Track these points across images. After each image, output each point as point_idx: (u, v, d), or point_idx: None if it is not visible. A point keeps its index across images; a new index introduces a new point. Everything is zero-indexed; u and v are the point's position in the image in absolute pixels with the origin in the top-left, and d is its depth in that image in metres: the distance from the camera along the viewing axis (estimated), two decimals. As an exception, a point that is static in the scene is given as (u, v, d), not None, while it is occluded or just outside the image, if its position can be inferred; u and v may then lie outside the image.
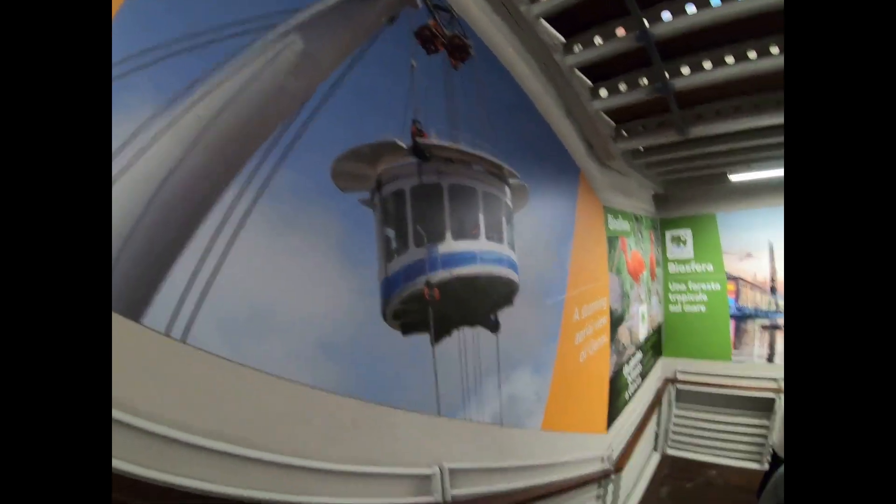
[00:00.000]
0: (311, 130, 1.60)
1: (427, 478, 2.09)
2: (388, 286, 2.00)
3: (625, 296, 4.81)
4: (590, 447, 3.87)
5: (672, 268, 6.80)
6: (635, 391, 5.23)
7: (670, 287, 6.79)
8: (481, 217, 2.45)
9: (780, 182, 5.59)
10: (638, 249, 5.43)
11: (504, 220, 2.64)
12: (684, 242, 6.74)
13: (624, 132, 3.98)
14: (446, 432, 2.26)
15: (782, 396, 5.72)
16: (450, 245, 2.25)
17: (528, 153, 3.00)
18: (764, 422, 5.98)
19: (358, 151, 1.90)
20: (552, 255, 3.26)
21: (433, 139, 2.14)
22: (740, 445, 6.00)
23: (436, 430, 2.20)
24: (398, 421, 1.99)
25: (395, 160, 2.07)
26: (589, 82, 3.23)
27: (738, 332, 6.47)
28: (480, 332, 2.45)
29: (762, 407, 6.02)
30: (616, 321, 4.51)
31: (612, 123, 3.87)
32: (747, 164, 5.10)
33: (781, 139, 3.65)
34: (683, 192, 6.54)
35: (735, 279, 6.49)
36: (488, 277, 2.49)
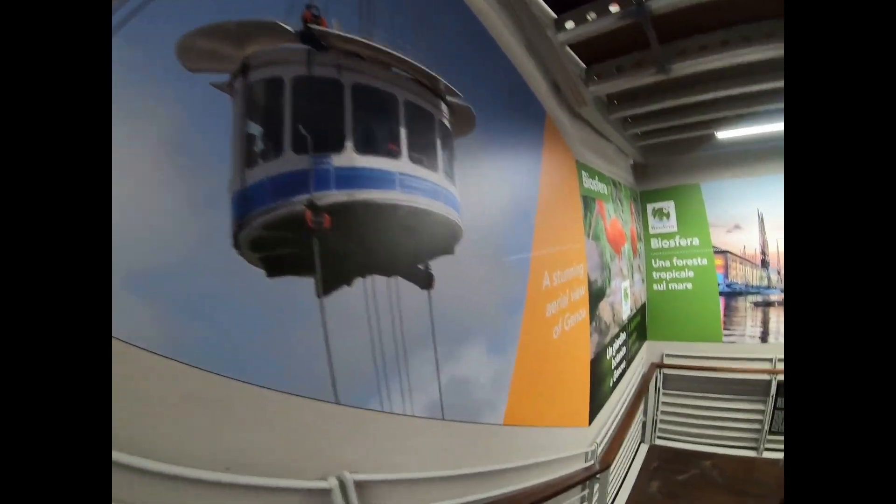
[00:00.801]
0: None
1: (322, 493, 1.41)
2: (245, 202, 1.30)
3: (605, 267, 4.14)
4: (570, 444, 3.19)
5: (655, 243, 6.18)
6: (620, 377, 4.58)
7: (653, 264, 6.17)
8: (403, 132, 1.74)
9: (769, 148, 5.23)
10: (618, 218, 4.77)
11: (439, 142, 1.93)
12: (667, 215, 6.14)
13: (595, 76, 3.38)
14: (350, 429, 1.55)
15: (778, 378, 5.31)
16: (351, 158, 1.55)
17: (477, 81, 2.32)
18: (759, 406, 5.47)
19: (221, 28, 1.28)
20: (511, 202, 2.55)
21: (335, 29, 1.53)
22: (735, 432, 5.49)
23: (333, 424, 1.49)
24: (270, 407, 1.28)
25: (274, 44, 1.42)
26: (553, 13, 2.65)
27: (729, 311, 5.88)
28: (403, 287, 1.74)
29: (757, 390, 5.50)
30: (596, 294, 3.84)
31: (583, 64, 3.32)
32: (736, 119, 4.48)
33: (773, 84, 3.41)
34: (665, 161, 5.97)
35: (723, 253, 5.90)
36: (413, 211, 1.78)
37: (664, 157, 5.88)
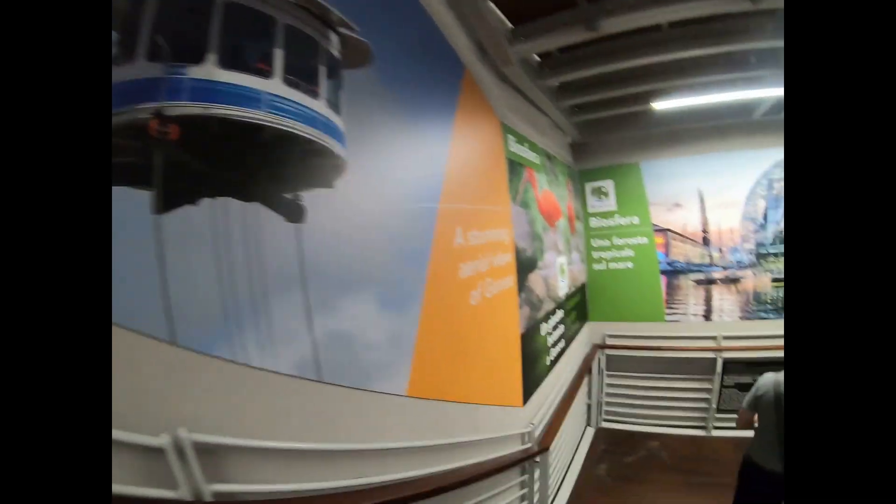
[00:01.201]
0: None
1: (154, 453, 1.12)
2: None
3: (536, 237, 3.90)
4: (501, 424, 2.94)
5: (594, 222, 6.03)
6: (559, 357, 4.34)
7: (592, 244, 6.02)
8: (277, 53, 1.54)
9: (708, 126, 5.33)
10: (552, 192, 4.55)
11: (323, 70, 1.70)
12: (606, 194, 6.00)
13: (523, 36, 3.17)
14: (191, 377, 1.23)
15: (723, 356, 5.28)
16: (211, 72, 1.35)
17: (383, 22, 2.08)
18: (705, 385, 5.40)
19: None
20: (415, 148, 2.26)
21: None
22: (682, 412, 5.43)
23: (167, 369, 1.18)
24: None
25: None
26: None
27: (671, 290, 5.77)
28: (265, 217, 1.42)
29: (703, 369, 5.43)
30: (526, 264, 3.59)
31: (509, 24, 3.14)
32: (673, 91, 4.34)
33: (709, 51, 3.37)
34: (603, 139, 5.87)
35: (664, 232, 5.79)
36: (280, 134, 1.52)
37: (602, 134, 5.74)
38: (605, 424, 5.64)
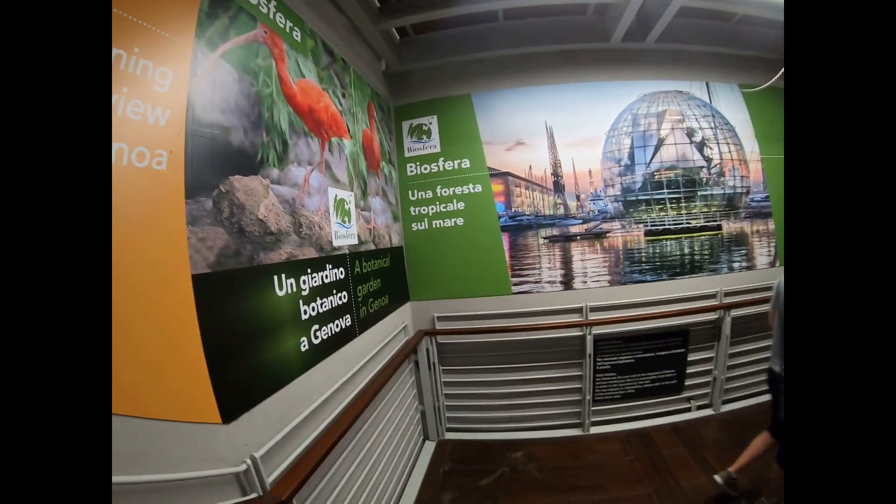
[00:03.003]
0: None
1: None
2: None
3: (272, 130, 2.15)
4: (162, 456, 1.41)
5: (411, 169, 4.45)
6: (337, 342, 2.59)
7: (410, 196, 4.40)
8: None
9: (554, 52, 4.43)
10: (332, 99, 2.84)
11: None
12: (427, 133, 4.46)
13: None
14: None
15: (594, 332, 4.09)
16: None
17: None
18: (575, 372, 4.21)
19: None
20: None
21: None
22: (550, 410, 4.33)
23: None
24: None
25: None
26: None
27: (516, 251, 4.31)
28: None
29: (568, 352, 4.24)
30: (222, 156, 1.80)
31: None
32: None
33: None
34: (426, 65, 4.47)
35: (503, 176, 4.35)
36: None
37: (425, 57, 4.37)
38: (449, 436, 4.30)
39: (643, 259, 4.38)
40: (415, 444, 3.97)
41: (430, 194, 4.35)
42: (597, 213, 4.37)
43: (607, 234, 4.36)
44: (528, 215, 4.31)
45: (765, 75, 4.07)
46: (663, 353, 4.41)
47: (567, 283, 4.27)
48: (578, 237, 4.34)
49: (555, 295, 4.24)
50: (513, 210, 4.30)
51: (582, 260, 4.30)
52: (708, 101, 4.60)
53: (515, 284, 4.25)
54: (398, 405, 3.58)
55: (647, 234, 4.42)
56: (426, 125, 4.47)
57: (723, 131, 4.59)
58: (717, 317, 4.31)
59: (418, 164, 4.42)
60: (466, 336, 4.27)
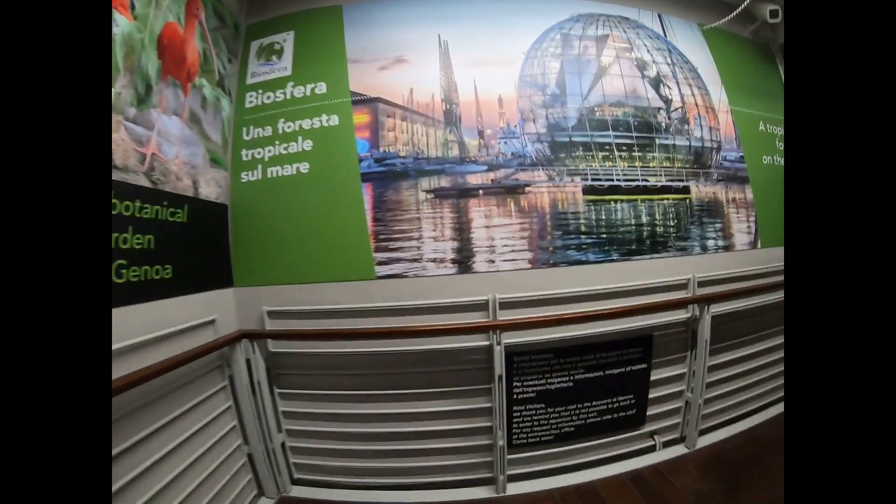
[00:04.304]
0: None
1: None
2: None
3: None
4: None
5: (251, 100, 2.99)
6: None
7: (244, 135, 2.92)
8: None
9: None
10: None
11: None
12: (279, 53, 3.04)
13: None
14: None
15: (505, 342, 2.58)
16: None
17: None
18: (480, 402, 2.78)
19: None
20: None
21: None
22: (443, 460, 2.80)
23: None
24: None
25: None
26: None
27: (383, 211, 2.75)
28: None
29: (469, 374, 2.73)
30: None
31: None
32: None
33: None
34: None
35: (371, 104, 2.83)
36: None
37: None
38: (297, 491, 2.81)
39: (582, 229, 2.82)
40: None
41: (269, 131, 2.88)
42: (510, 157, 2.83)
43: (526, 189, 2.79)
44: (403, 158, 2.78)
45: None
46: (616, 370, 2.88)
47: (463, 262, 2.69)
48: (481, 192, 2.77)
49: (444, 281, 2.68)
50: (381, 150, 2.77)
51: (487, 227, 2.73)
52: (662, 34, 3.37)
53: (382, 263, 2.69)
54: (196, 442, 2.25)
55: (586, 191, 2.90)
56: (279, 44, 3.07)
57: (682, 70, 3.33)
58: (689, 315, 2.95)
59: (260, 92, 2.98)
60: (312, 344, 2.69)
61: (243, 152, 2.83)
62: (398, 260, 2.68)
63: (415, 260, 2.68)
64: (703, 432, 3.06)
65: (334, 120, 2.81)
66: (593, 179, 2.91)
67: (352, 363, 2.71)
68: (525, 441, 2.79)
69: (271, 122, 2.85)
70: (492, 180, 2.77)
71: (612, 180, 2.97)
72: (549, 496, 2.63)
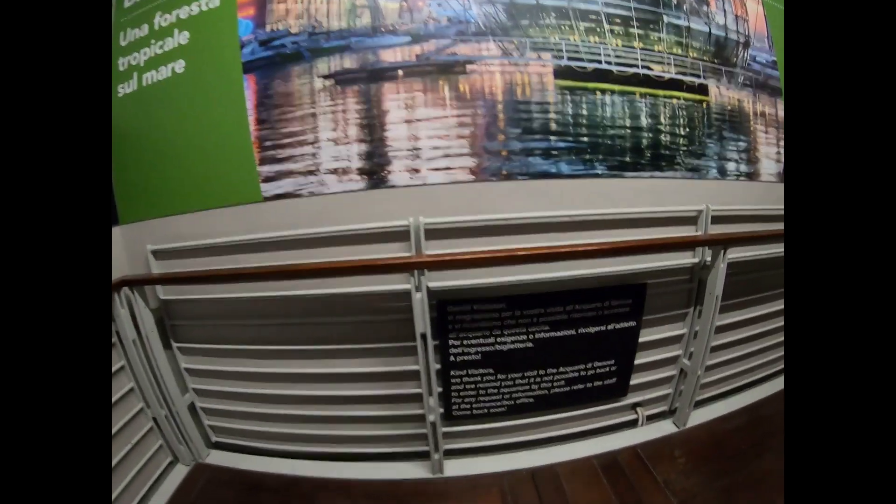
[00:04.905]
0: None
1: None
2: None
3: None
4: None
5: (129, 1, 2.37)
6: None
7: (120, 41, 2.33)
8: None
9: None
10: None
11: None
12: None
13: None
14: None
15: (429, 283, 1.95)
16: None
17: None
18: (407, 362, 2.04)
19: None
20: None
21: None
22: (369, 429, 2.22)
23: None
24: None
25: None
26: None
27: (269, 108, 2.04)
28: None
29: (389, 327, 2.06)
30: None
31: None
32: None
33: None
34: None
35: None
36: None
37: None
38: (215, 458, 2.37)
39: (551, 126, 1.97)
40: (149, 475, 2.13)
41: (145, 30, 2.26)
42: (445, 23, 1.97)
43: (468, 68, 1.93)
44: (295, 35, 2.02)
45: None
46: (593, 328, 2.09)
47: (375, 172, 1.92)
48: (401, 72, 1.94)
49: (349, 200, 1.95)
50: (268, 30, 2.03)
51: (408, 121, 1.93)
52: None
53: (269, 179, 2.00)
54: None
55: (559, 73, 2.05)
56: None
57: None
58: (697, 261, 2.17)
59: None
60: (204, 289, 2.13)
61: (120, 61, 2.24)
62: (289, 173, 1.97)
63: (310, 172, 1.96)
64: (698, 404, 2.36)
65: (213, 2, 2.10)
66: (571, 59, 1.98)
67: (252, 312, 2.11)
68: (469, 413, 2.05)
69: (147, 19, 2.23)
70: (417, 56, 1.93)
71: (600, 62, 2.03)
72: (497, 482, 1.93)
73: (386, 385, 2.11)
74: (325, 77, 1.96)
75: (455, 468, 2.13)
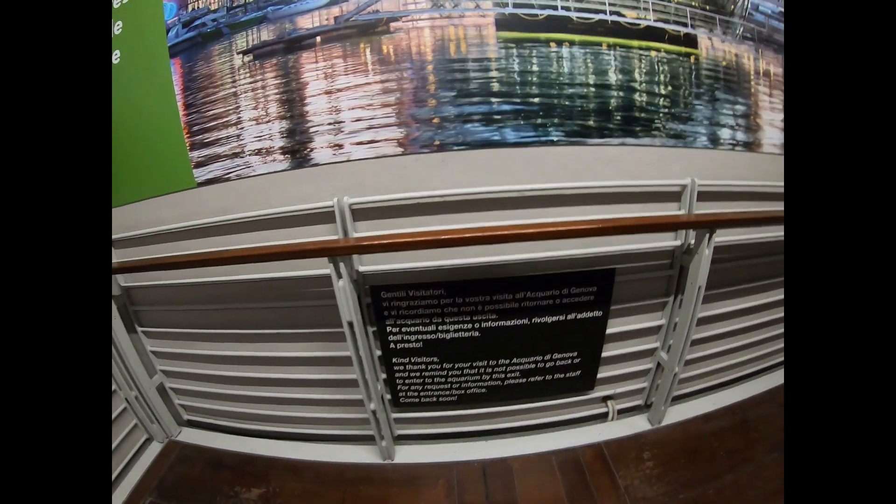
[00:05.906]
0: None
1: None
2: None
3: None
4: None
5: None
6: None
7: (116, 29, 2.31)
8: None
9: None
10: None
11: None
12: None
13: None
14: None
15: (357, 267, 1.84)
16: None
17: None
18: (339, 348, 1.88)
19: None
20: None
21: None
22: (318, 411, 2.18)
23: None
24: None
25: None
26: None
27: (196, 91, 1.96)
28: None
29: (320, 314, 1.94)
30: None
31: None
32: None
33: None
34: None
35: None
36: None
37: None
38: (187, 435, 2.44)
39: (493, 87, 1.76)
40: (126, 452, 2.22)
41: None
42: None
43: (392, 27, 1.73)
44: (215, 12, 1.90)
45: None
46: (550, 318, 1.86)
47: (297, 150, 1.79)
48: (318, 39, 1.79)
49: (274, 181, 1.84)
50: (189, 10, 1.93)
51: (328, 92, 1.77)
52: None
53: (200, 165, 1.93)
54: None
55: (502, 25, 1.76)
56: None
57: None
58: (679, 244, 1.87)
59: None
60: (159, 275, 2.14)
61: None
62: (217, 157, 1.88)
63: (235, 154, 1.86)
64: (677, 399, 2.13)
65: (144, -17, 2.02)
66: (517, 5, 1.71)
67: (200, 297, 2.08)
68: (417, 401, 1.89)
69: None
70: (336, 18, 1.76)
71: (555, 8, 1.72)
72: (446, 473, 1.78)
73: (331, 370, 2.02)
74: (244, 53, 1.83)
75: (406, 455, 2.02)
